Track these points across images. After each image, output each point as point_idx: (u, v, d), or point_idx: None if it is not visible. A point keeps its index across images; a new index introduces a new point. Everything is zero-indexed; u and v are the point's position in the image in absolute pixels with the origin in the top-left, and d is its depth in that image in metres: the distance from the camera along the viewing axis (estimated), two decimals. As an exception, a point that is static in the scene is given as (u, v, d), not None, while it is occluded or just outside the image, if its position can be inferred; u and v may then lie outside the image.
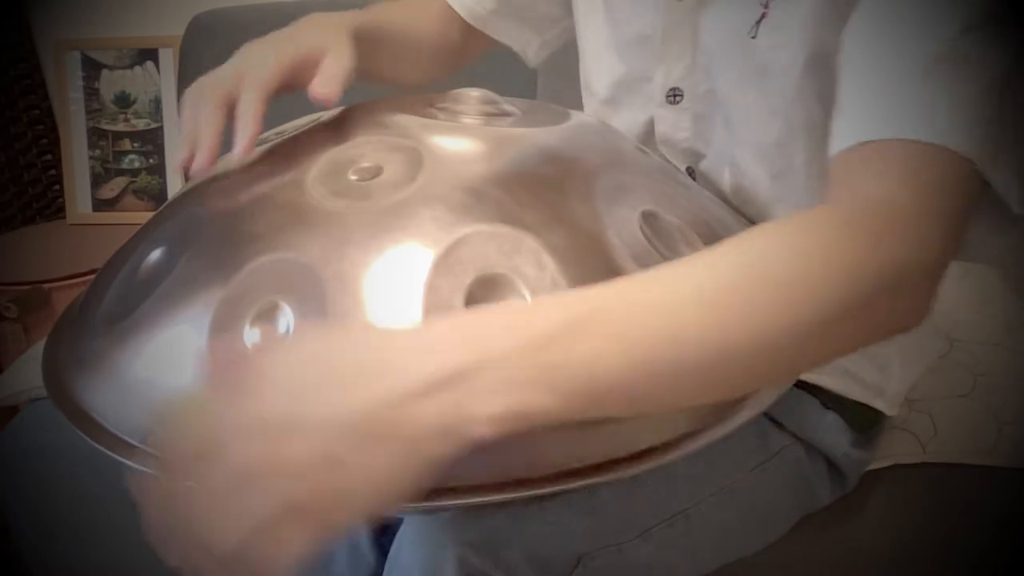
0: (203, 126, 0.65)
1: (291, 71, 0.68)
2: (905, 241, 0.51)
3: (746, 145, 0.78)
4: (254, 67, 0.67)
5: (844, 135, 0.57)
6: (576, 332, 0.45)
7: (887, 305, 0.51)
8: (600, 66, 0.89)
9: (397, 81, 0.81)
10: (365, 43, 0.75)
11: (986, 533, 1.00)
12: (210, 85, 0.67)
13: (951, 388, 1.08)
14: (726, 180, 0.81)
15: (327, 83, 0.66)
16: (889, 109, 0.55)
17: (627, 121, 0.87)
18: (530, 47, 1.00)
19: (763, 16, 0.73)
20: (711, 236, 0.62)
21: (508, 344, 0.44)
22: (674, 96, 0.81)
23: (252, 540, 0.42)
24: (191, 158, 0.64)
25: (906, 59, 0.55)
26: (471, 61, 1.00)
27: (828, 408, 0.87)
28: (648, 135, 0.85)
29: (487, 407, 0.43)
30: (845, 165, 0.56)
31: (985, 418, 1.04)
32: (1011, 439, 1.01)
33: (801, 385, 0.86)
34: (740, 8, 0.74)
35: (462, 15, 0.96)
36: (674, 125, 0.83)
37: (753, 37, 0.73)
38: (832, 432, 0.88)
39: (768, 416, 0.86)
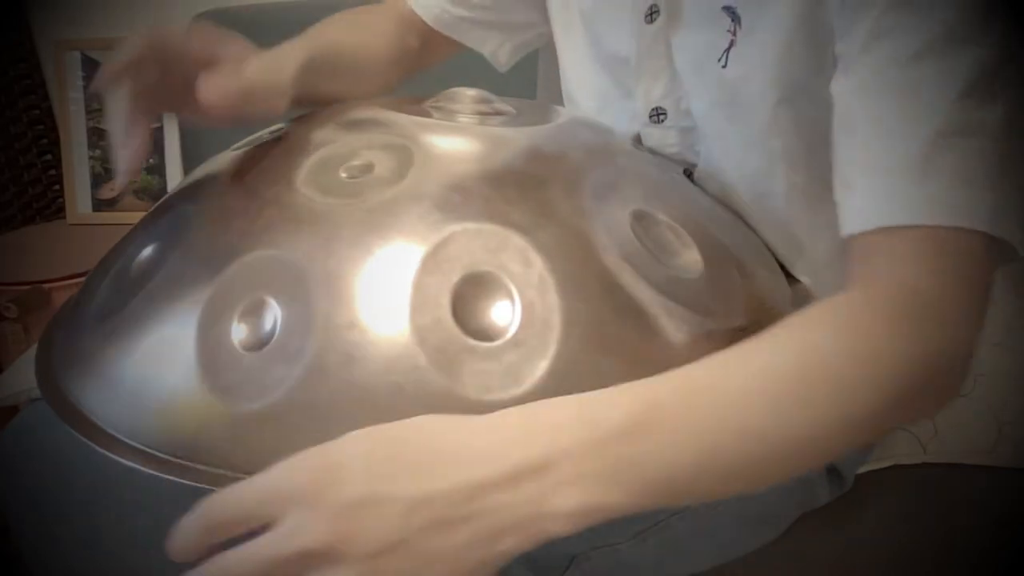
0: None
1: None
2: (944, 329, 0.53)
3: (724, 170, 0.76)
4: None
5: (862, 218, 0.56)
6: (646, 426, 0.46)
7: (930, 390, 0.54)
8: (583, 80, 0.88)
9: (354, 96, 0.77)
10: (319, 71, 0.74)
11: (986, 533, 1.00)
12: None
13: (951, 388, 1.07)
14: (717, 189, 0.79)
15: (209, 88, 0.63)
16: (907, 193, 0.54)
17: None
18: (501, 51, 0.98)
19: (731, 44, 0.70)
20: (704, 235, 0.62)
21: (582, 438, 0.44)
22: (657, 115, 0.80)
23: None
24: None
25: (913, 134, 0.55)
26: (430, 66, 0.97)
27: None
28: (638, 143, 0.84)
29: (565, 501, 0.43)
30: (867, 247, 0.56)
31: (985, 418, 1.04)
32: (1011, 439, 1.01)
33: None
34: (708, 34, 0.72)
35: (427, 21, 0.93)
36: (661, 141, 0.81)
37: (724, 66, 0.71)
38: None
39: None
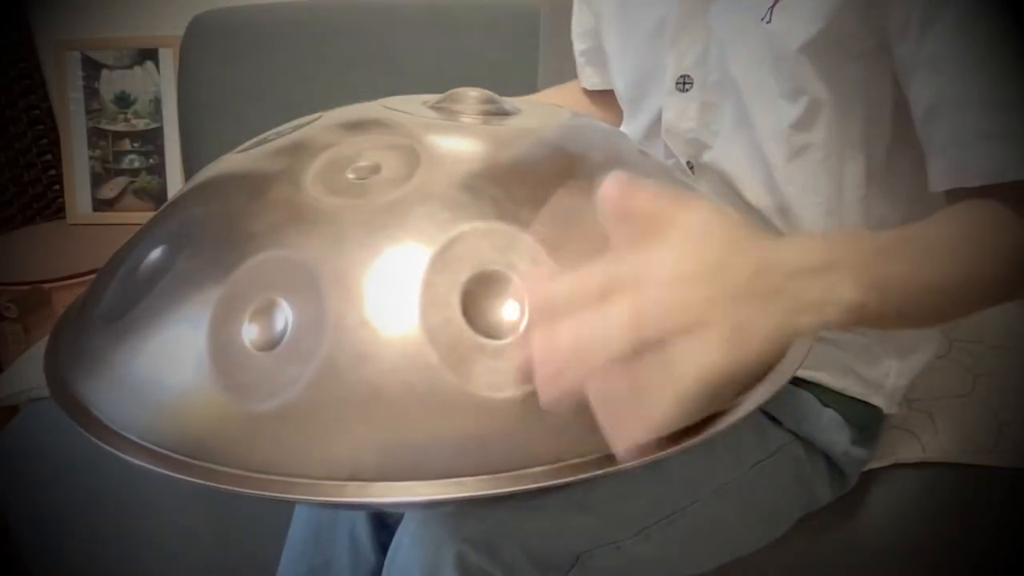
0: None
1: None
2: None
3: (762, 130, 0.79)
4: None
5: (976, 174, 0.69)
6: (895, 253, 0.60)
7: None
8: (622, 67, 0.91)
9: None
10: None
11: (986, 533, 1.00)
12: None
13: (951, 388, 1.08)
14: (732, 170, 0.82)
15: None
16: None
17: (646, 116, 0.89)
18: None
19: (776, 2, 0.74)
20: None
21: (857, 251, 0.57)
22: (684, 84, 0.83)
23: (679, 316, 0.48)
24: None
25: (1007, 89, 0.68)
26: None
27: (826, 405, 0.87)
28: (655, 125, 0.86)
29: (844, 294, 0.54)
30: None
31: (985, 418, 1.04)
32: (1011, 439, 1.01)
33: (799, 382, 0.86)
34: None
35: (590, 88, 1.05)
36: (680, 113, 0.83)
37: (768, 22, 0.75)
38: (831, 429, 0.88)
39: (767, 414, 0.86)
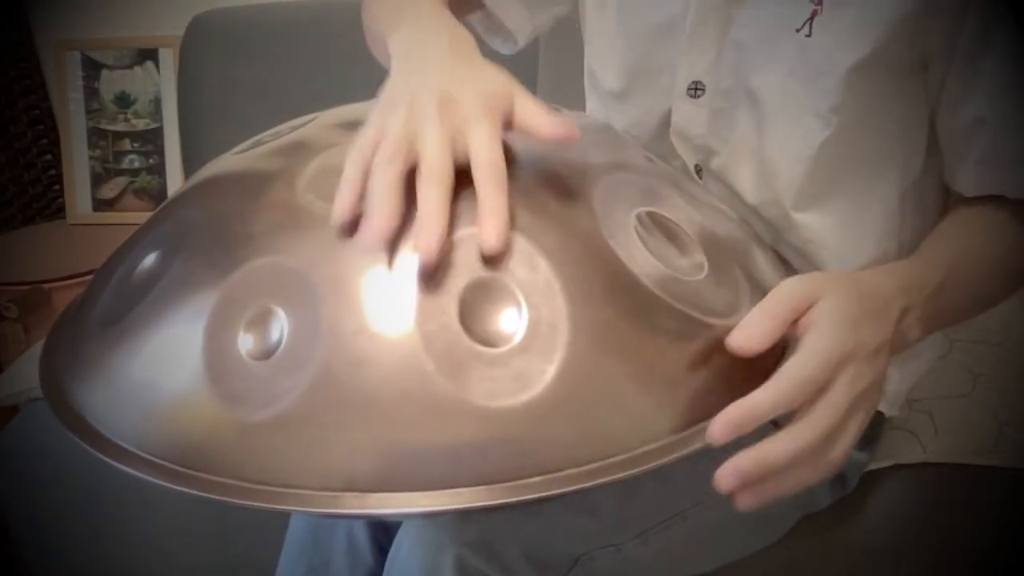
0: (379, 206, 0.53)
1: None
2: None
3: (782, 144, 0.77)
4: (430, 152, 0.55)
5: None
6: (946, 288, 0.67)
7: None
8: (611, 56, 0.87)
9: None
10: None
11: (986, 533, 1.00)
12: (439, 167, 0.54)
13: (951, 388, 1.08)
14: (743, 179, 0.80)
15: (555, 125, 0.58)
16: None
17: (638, 112, 0.86)
18: (522, 31, 0.94)
19: (815, 14, 0.72)
20: (709, 238, 0.62)
21: (919, 294, 0.64)
22: (695, 90, 0.80)
23: (842, 422, 0.55)
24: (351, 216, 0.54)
25: None
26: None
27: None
28: (662, 126, 0.84)
29: (916, 334, 0.64)
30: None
31: (985, 418, 1.04)
32: (1011, 439, 1.01)
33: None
34: (783, 4, 0.73)
35: None
36: (691, 119, 0.81)
37: (807, 35, 0.72)
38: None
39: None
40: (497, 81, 0.61)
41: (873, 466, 0.98)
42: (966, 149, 0.74)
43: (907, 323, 0.62)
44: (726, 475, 0.52)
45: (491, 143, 0.55)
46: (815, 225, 0.78)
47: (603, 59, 0.88)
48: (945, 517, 1.01)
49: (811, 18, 0.72)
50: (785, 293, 0.56)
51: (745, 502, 0.52)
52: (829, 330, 0.54)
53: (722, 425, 0.52)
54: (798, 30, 0.72)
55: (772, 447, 0.53)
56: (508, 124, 0.59)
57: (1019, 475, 0.99)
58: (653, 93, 0.84)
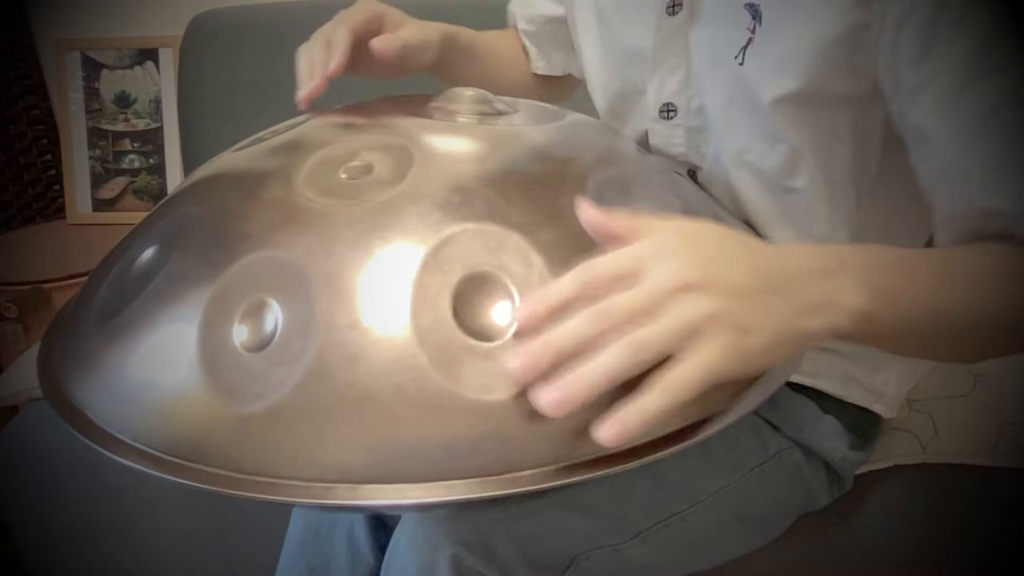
0: (310, 62, 0.75)
1: (374, 21, 0.79)
2: None
3: (741, 167, 0.76)
4: (346, 13, 0.79)
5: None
6: (903, 268, 0.60)
7: None
8: (598, 80, 0.89)
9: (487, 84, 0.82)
10: (456, 48, 0.90)
11: (986, 533, 1.00)
12: (315, 35, 0.78)
13: (951, 388, 1.08)
14: (723, 192, 0.80)
15: (387, 40, 0.78)
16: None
17: (629, 131, 0.87)
18: (572, 67, 1.04)
19: (749, 42, 0.71)
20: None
21: (866, 260, 0.57)
22: (667, 112, 0.80)
23: (678, 336, 0.48)
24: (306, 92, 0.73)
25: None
26: (561, 99, 1.06)
27: (826, 412, 0.87)
28: (644, 142, 0.84)
29: (852, 298, 0.54)
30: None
31: (985, 418, 1.04)
32: (1011, 439, 1.01)
33: (799, 389, 0.86)
34: (726, 30, 0.73)
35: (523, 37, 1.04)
36: (667, 140, 0.81)
37: (740, 63, 0.72)
38: (830, 436, 0.87)
39: (765, 420, 0.86)
40: None
41: (873, 466, 0.98)
42: (931, 203, 0.69)
43: (837, 284, 0.54)
44: (516, 363, 0.48)
45: None
46: (787, 239, 0.77)
47: (594, 83, 0.91)
48: (945, 517, 1.00)
49: (745, 45, 0.72)
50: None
51: (549, 399, 0.47)
52: (656, 238, 0.52)
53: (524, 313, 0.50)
54: (735, 57, 0.72)
55: (558, 328, 0.49)
56: None
57: (1019, 475, 0.99)
58: (637, 113, 0.85)
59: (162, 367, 0.55)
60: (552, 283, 0.50)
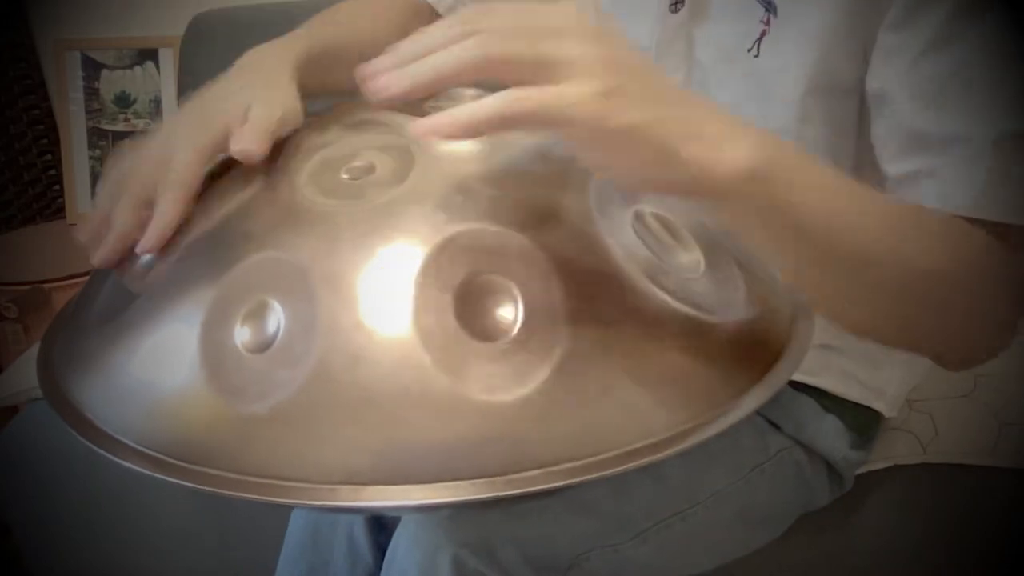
0: (115, 222, 0.61)
1: (213, 150, 0.63)
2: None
3: None
4: (173, 161, 0.61)
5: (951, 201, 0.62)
6: (812, 163, 0.54)
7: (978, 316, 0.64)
8: None
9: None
10: (320, 63, 0.75)
11: (986, 533, 1.00)
12: (131, 176, 0.61)
13: (951, 388, 1.08)
14: None
15: (244, 139, 0.61)
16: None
17: None
18: None
19: (763, 33, 0.72)
20: (705, 235, 0.62)
21: (772, 137, 0.52)
22: None
23: (539, 64, 0.45)
24: (96, 245, 0.62)
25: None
26: None
27: (827, 411, 0.87)
28: None
29: (743, 148, 0.50)
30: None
31: (985, 418, 1.04)
32: (1011, 439, 1.01)
33: (800, 387, 0.86)
34: (737, 24, 0.73)
35: (439, 11, 0.93)
36: None
37: (755, 56, 0.72)
38: (831, 435, 0.87)
39: (766, 419, 0.86)
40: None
41: (872, 466, 0.98)
42: (883, 161, 0.68)
43: (733, 130, 0.51)
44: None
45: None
46: None
47: None
48: (945, 518, 1.01)
49: (760, 37, 0.72)
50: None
51: (382, 81, 0.46)
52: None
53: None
54: (749, 50, 0.72)
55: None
56: None
57: (1019, 475, 0.99)
58: None
59: (164, 368, 0.55)
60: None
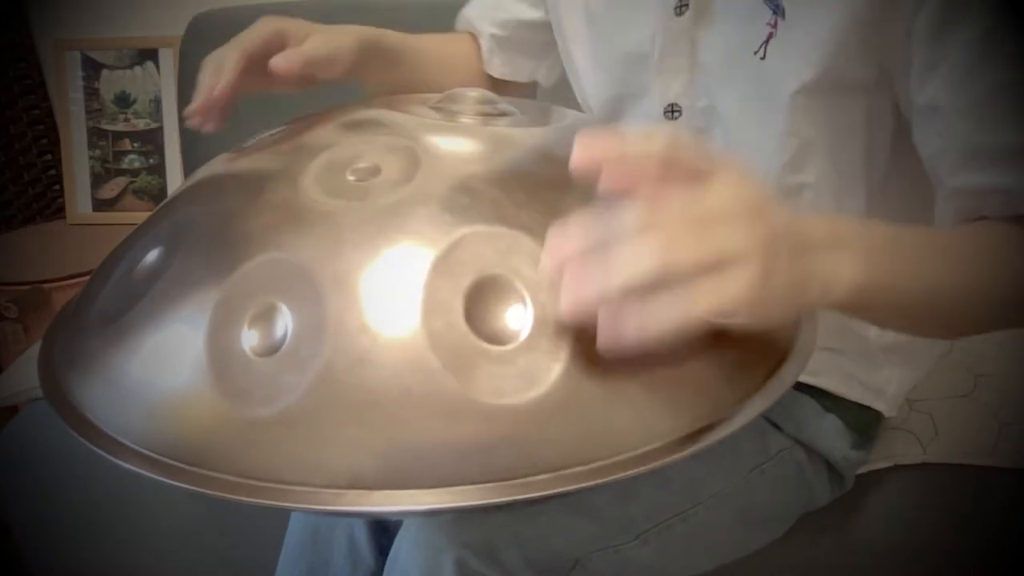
0: (203, 82, 0.74)
1: (274, 38, 0.75)
2: None
3: (748, 164, 0.77)
4: (241, 35, 0.76)
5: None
6: (902, 246, 0.60)
7: None
8: (592, 85, 0.89)
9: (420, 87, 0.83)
10: (376, 54, 0.85)
11: (986, 533, 1.00)
12: (206, 60, 0.75)
13: (951, 388, 1.08)
14: None
15: (287, 58, 0.74)
16: None
17: None
18: (538, 73, 1.03)
19: (770, 36, 0.72)
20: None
21: (865, 236, 0.57)
22: (672, 112, 0.81)
23: (711, 263, 0.46)
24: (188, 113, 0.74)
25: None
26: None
27: (828, 411, 0.87)
28: None
29: (852, 273, 0.55)
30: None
31: (985, 418, 1.04)
32: (1011, 439, 1.01)
33: (800, 388, 0.86)
34: (743, 26, 0.73)
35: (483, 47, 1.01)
36: None
37: (762, 58, 0.72)
38: (831, 435, 0.88)
39: (767, 419, 0.86)
40: None
41: (873, 466, 0.98)
42: (937, 178, 0.71)
43: (839, 257, 0.55)
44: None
45: None
46: None
47: (587, 89, 0.90)
48: (945, 517, 1.01)
49: (766, 40, 0.72)
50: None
51: (612, 334, 0.48)
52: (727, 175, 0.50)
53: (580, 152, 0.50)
54: (755, 52, 0.73)
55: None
56: None
57: (1019, 475, 0.99)
58: (634, 116, 0.85)
59: (168, 370, 0.55)
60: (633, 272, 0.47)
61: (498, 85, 1.03)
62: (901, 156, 0.75)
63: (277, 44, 0.75)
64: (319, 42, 0.77)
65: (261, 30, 0.75)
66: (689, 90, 0.79)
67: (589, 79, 0.89)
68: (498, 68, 1.02)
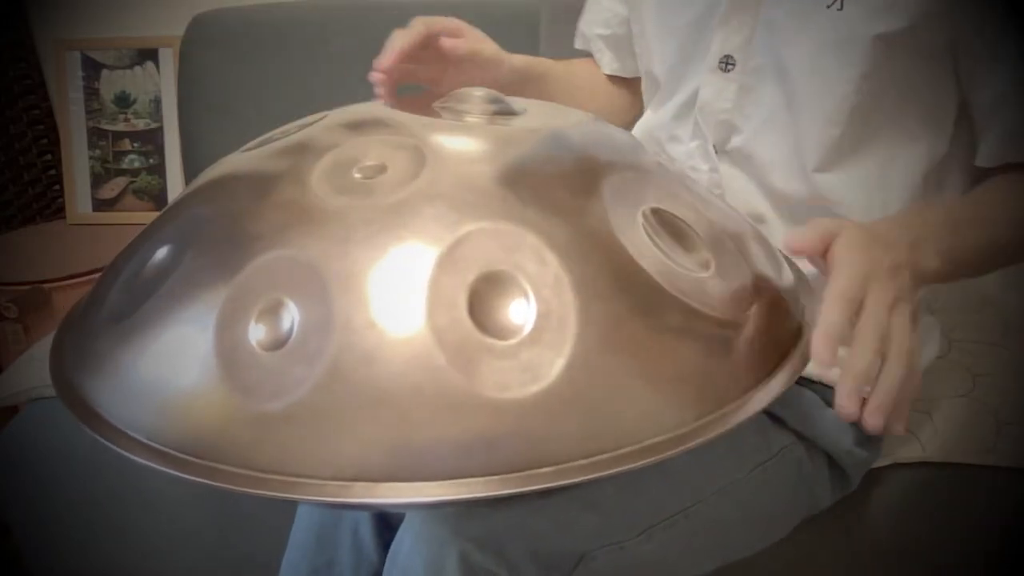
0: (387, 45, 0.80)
1: (455, 29, 0.85)
2: None
3: (813, 113, 0.81)
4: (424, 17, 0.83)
5: None
6: (961, 224, 0.73)
7: None
8: (659, 53, 0.93)
9: None
10: (529, 75, 0.94)
11: (986, 533, 1.01)
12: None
13: (951, 388, 1.08)
14: (762, 156, 0.84)
15: (458, 42, 0.84)
16: None
17: (681, 96, 0.91)
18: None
19: None
20: (714, 234, 0.63)
21: (932, 227, 0.71)
22: (726, 64, 0.85)
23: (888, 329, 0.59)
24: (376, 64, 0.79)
25: None
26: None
27: (829, 405, 0.87)
28: (688, 105, 0.89)
29: (932, 263, 0.68)
30: None
31: (985, 418, 1.04)
32: (1011, 439, 1.02)
33: (803, 382, 0.86)
34: None
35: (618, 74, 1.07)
36: (718, 93, 0.86)
37: (839, 9, 0.77)
38: (834, 429, 0.88)
39: (769, 414, 0.86)
40: None
41: (873, 465, 0.98)
42: (990, 124, 0.79)
43: (922, 252, 0.67)
44: (874, 415, 0.57)
45: None
46: (839, 186, 0.82)
47: (654, 56, 0.94)
48: (945, 517, 1.01)
49: None
50: (816, 223, 0.63)
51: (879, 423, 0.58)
52: (849, 252, 0.61)
53: (819, 346, 0.56)
54: (829, 6, 0.77)
55: (883, 377, 0.58)
56: None
57: (1019, 475, 1.00)
58: (693, 74, 0.89)
59: (177, 366, 0.55)
60: (824, 318, 0.57)
61: (619, 99, 1.09)
62: (963, 132, 0.82)
63: (454, 33, 0.85)
64: (489, 46, 0.88)
65: (447, 19, 0.84)
66: (747, 47, 0.83)
67: (656, 47, 0.93)
68: (609, 65, 1.06)
